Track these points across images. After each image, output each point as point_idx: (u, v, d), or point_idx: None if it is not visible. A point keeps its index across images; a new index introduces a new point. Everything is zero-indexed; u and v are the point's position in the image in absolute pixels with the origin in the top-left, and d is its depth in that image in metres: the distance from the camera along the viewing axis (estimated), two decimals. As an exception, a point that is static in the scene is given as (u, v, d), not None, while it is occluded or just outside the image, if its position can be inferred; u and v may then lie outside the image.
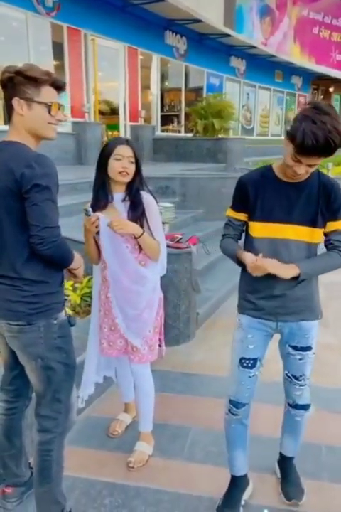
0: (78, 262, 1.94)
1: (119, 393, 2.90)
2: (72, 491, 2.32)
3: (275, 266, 1.90)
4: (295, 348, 2.10)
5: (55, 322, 1.86)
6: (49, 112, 1.79)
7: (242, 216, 2.06)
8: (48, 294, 1.83)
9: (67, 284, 3.60)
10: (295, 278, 1.93)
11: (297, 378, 2.15)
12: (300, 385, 2.16)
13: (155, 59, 12.56)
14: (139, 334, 2.46)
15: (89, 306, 3.77)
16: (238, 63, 16.13)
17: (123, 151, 2.29)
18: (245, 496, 2.29)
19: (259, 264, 1.89)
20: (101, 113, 11.42)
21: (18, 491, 2.23)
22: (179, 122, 14.08)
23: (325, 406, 3.04)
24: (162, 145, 11.30)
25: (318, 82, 22.36)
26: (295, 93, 20.78)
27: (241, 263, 2.02)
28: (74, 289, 3.70)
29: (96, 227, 2.28)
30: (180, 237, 3.91)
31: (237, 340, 2.13)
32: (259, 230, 1.99)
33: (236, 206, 2.08)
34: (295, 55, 20.10)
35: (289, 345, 2.12)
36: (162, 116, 13.49)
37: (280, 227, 1.96)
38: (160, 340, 2.57)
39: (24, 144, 1.77)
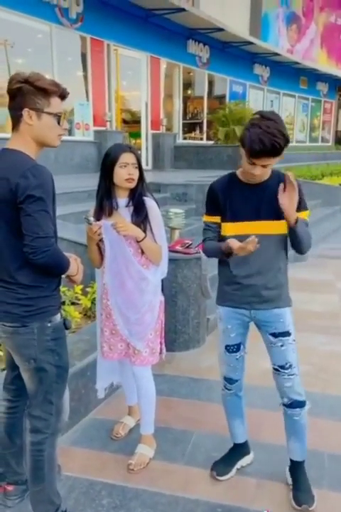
0: (75, 269, 1.97)
1: (124, 396, 2.94)
2: (72, 491, 2.36)
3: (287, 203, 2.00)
4: (274, 335, 2.23)
5: (49, 325, 1.90)
6: (58, 123, 1.85)
7: (217, 218, 2.24)
8: (43, 297, 1.88)
9: (77, 289, 3.67)
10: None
11: (283, 367, 2.22)
12: (289, 375, 2.22)
13: (178, 68, 12.67)
14: (142, 338, 2.50)
15: (100, 310, 3.84)
16: (261, 70, 16.07)
17: (128, 158, 2.35)
18: (243, 462, 2.53)
19: (248, 246, 1.99)
20: (125, 121, 11.61)
21: (19, 489, 2.28)
22: (201, 130, 14.12)
23: (330, 414, 3.00)
24: (183, 152, 11.37)
25: (345, 88, 22.03)
26: (321, 99, 20.53)
27: (226, 254, 2.15)
28: (85, 294, 3.77)
29: (99, 235, 2.35)
30: (190, 242, 3.93)
31: (220, 331, 2.36)
32: (230, 229, 2.18)
33: (209, 210, 2.28)
34: (321, 62, 19.91)
35: (269, 334, 2.24)
36: (185, 124, 13.59)
37: (248, 224, 2.15)
38: (160, 343, 2.60)
39: (25, 152, 1.81)
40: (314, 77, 18.96)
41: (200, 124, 14.20)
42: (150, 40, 10.97)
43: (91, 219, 2.35)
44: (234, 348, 2.32)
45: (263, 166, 2.02)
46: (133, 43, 10.59)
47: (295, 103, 18.77)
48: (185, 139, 13.46)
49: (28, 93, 1.77)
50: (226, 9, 14.31)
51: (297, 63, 16.78)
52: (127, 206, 2.42)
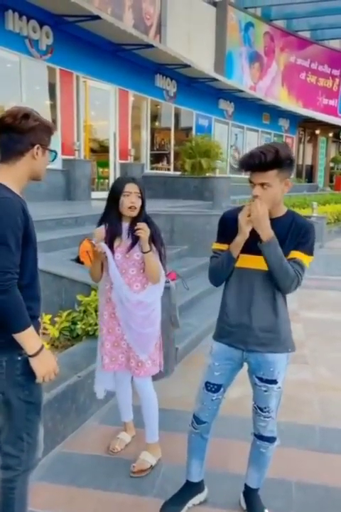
0: (44, 365, 1.83)
1: (119, 413, 3.06)
2: (37, 528, 2.29)
3: (261, 220, 2.02)
4: (260, 379, 2.20)
5: (19, 358, 1.84)
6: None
7: (225, 246, 2.22)
8: None
9: (46, 318, 3.62)
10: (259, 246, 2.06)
11: (262, 409, 2.23)
12: (265, 417, 2.23)
13: (146, 100, 12.96)
14: (145, 350, 2.70)
15: (69, 340, 3.81)
16: (226, 106, 16.67)
17: (131, 188, 2.58)
18: (195, 500, 2.47)
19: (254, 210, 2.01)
20: (93, 150, 11.69)
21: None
22: (168, 161, 14.39)
23: (298, 443, 3.05)
24: (151, 182, 11.49)
25: (305, 124, 23.06)
26: (283, 134, 21.39)
27: (233, 259, 2.13)
28: (53, 323, 3.72)
29: (104, 253, 2.57)
30: (159, 272, 3.97)
31: (206, 365, 2.31)
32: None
33: (219, 238, 2.28)
34: (283, 99, 20.79)
35: (256, 376, 2.22)
36: (152, 155, 13.82)
37: (249, 258, 2.13)
38: (159, 356, 2.81)
39: (6, 185, 1.79)
40: (276, 113, 19.80)
41: (167, 155, 14.48)
42: (118, 73, 11.20)
43: (94, 240, 2.60)
44: (213, 388, 2.27)
45: (261, 185, 2.01)
46: (102, 75, 10.78)
47: (258, 137, 19.46)
48: (152, 169, 13.67)
49: (40, 131, 1.84)
50: (192, 46, 14.83)
51: (260, 100, 17.52)
52: (128, 237, 2.60)
